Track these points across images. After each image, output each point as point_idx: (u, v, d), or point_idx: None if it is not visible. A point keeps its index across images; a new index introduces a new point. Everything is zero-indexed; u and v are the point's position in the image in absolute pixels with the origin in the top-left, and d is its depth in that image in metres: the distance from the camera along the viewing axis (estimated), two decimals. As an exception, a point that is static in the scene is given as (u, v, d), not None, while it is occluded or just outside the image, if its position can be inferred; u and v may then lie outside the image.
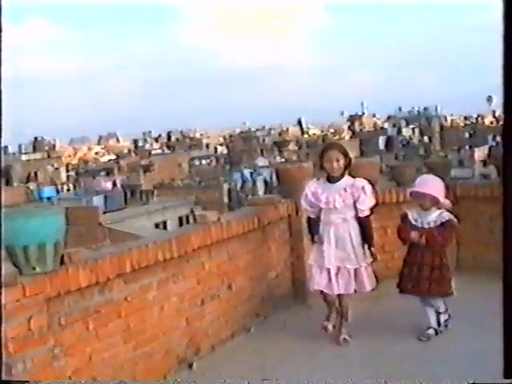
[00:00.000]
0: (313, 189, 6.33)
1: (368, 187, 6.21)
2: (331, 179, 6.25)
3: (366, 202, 6.21)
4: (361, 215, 6.26)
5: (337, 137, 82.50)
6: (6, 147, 71.94)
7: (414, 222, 6.29)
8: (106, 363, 5.13)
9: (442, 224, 6.14)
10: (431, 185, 6.23)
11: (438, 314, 6.36)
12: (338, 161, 6.14)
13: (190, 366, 5.97)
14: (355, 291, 6.36)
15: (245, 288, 6.87)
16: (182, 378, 5.78)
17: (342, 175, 6.22)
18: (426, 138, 79.76)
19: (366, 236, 6.32)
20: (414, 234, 6.21)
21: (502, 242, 3.80)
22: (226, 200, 48.23)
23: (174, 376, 5.78)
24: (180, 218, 42.57)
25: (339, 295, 6.40)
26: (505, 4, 3.37)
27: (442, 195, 6.20)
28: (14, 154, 70.17)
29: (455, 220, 6.18)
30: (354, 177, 6.28)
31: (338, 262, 6.26)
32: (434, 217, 6.17)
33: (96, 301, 5.03)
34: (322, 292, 6.45)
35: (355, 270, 6.28)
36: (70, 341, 4.81)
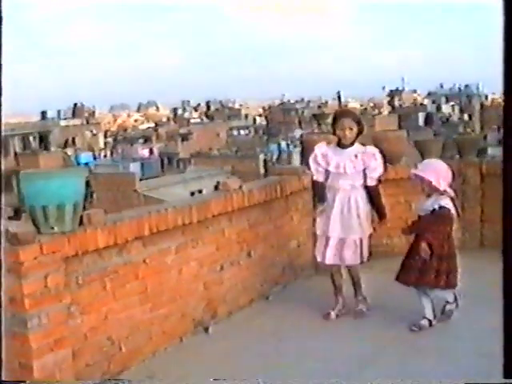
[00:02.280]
0: (323, 150, 6.28)
1: (379, 155, 6.18)
2: (342, 145, 6.21)
3: (377, 170, 6.19)
4: (370, 183, 6.22)
5: (376, 111, 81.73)
6: (44, 112, 72.81)
7: (415, 209, 6.25)
8: (122, 323, 5.25)
9: (432, 212, 5.87)
10: (431, 169, 5.92)
11: (447, 302, 6.13)
12: (351, 129, 6.12)
13: (206, 329, 6.07)
14: (361, 262, 6.34)
15: (265, 256, 6.94)
16: (197, 340, 5.90)
17: (353, 142, 6.20)
18: (465, 116, 78.73)
19: (376, 204, 6.29)
20: (406, 232, 6.13)
21: (502, 243, 3.81)
22: (262, 170, 48.22)
23: (191, 339, 5.89)
24: (216, 187, 42.69)
25: (348, 266, 6.40)
26: (505, 4, 3.39)
27: (441, 182, 5.83)
28: (52, 119, 70.75)
29: (448, 208, 5.84)
30: (364, 145, 6.26)
31: (342, 232, 6.21)
32: (429, 204, 5.90)
33: (114, 262, 5.15)
34: (329, 267, 6.44)
35: (360, 240, 6.25)
36: (86, 299, 4.93)
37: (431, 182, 5.79)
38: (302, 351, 5.65)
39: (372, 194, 6.25)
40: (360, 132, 6.20)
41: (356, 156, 6.12)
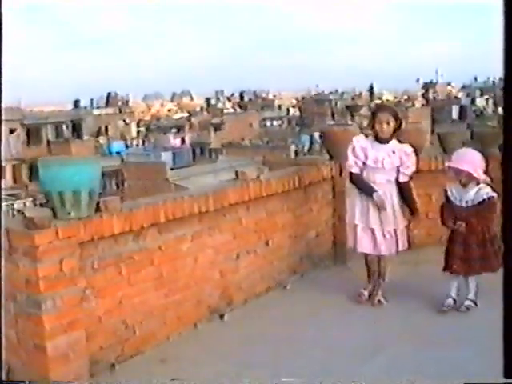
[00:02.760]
0: (363, 144, 6.36)
1: (413, 154, 6.33)
2: (380, 139, 6.30)
3: (410, 168, 6.32)
4: (402, 180, 6.35)
5: (409, 104, 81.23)
6: (77, 101, 73.41)
7: (453, 200, 6.19)
8: (136, 308, 5.35)
9: (481, 203, 6.01)
10: (467, 160, 6.04)
11: (466, 298, 6.24)
12: (388, 123, 6.22)
13: (222, 316, 6.15)
14: (397, 252, 6.49)
15: (283, 245, 7.01)
16: (212, 327, 5.99)
17: (391, 138, 6.29)
18: (500, 110, 77.94)
19: (408, 200, 6.41)
20: (451, 225, 6.14)
21: (503, 244, 3.82)
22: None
23: (205, 325, 5.98)
24: (236, 176, 42.71)
25: (379, 256, 6.52)
26: (505, 4, 3.40)
27: (479, 171, 6.00)
28: (85, 108, 71.30)
29: (495, 196, 5.94)
30: (400, 142, 6.35)
31: (379, 223, 6.35)
32: (472, 194, 6.03)
33: (130, 248, 5.25)
34: (365, 255, 6.59)
35: (395, 231, 6.39)
36: (101, 284, 5.04)
37: (471, 174, 5.96)
38: (315, 340, 5.69)
39: (404, 190, 6.38)
40: (398, 127, 6.30)
41: (394, 152, 6.26)
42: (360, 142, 6.37)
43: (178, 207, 5.52)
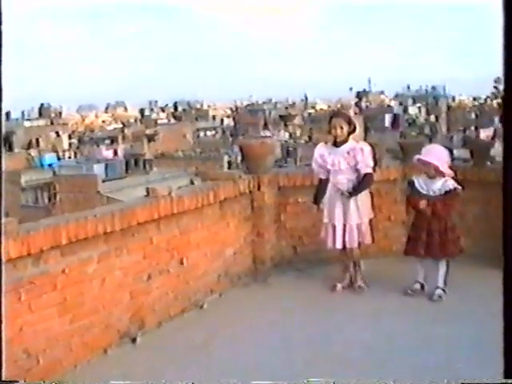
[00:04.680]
0: (321, 151, 7.00)
1: (366, 148, 6.85)
2: (337, 144, 6.91)
3: (364, 161, 6.80)
4: (363, 172, 6.86)
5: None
6: (8, 113, 71.84)
7: (420, 189, 6.75)
8: (39, 335, 5.09)
9: (447, 192, 6.60)
10: (435, 154, 6.67)
11: (436, 287, 6.76)
12: (341, 128, 6.82)
13: (134, 340, 5.93)
14: (359, 244, 7.01)
15: (198, 264, 6.81)
16: (123, 352, 5.76)
17: (347, 140, 6.86)
18: (432, 118, 79.27)
19: (360, 186, 6.90)
20: (422, 204, 6.62)
21: (503, 245, 3.79)
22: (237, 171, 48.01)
23: (116, 350, 5.74)
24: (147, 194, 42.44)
25: (349, 249, 7.03)
26: (505, 4, 3.37)
27: (445, 165, 6.60)
28: (16, 119, 69.84)
29: (459, 188, 6.61)
30: (357, 142, 6.94)
31: (344, 219, 6.90)
32: (439, 185, 6.62)
33: (30, 272, 4.98)
34: (341, 250, 7.08)
35: (358, 225, 6.92)
36: (-1, 311, 4.77)
37: (438, 167, 6.55)
38: (230, 364, 5.51)
39: (362, 180, 6.89)
40: (352, 130, 6.91)
41: (348, 153, 6.82)
42: (318, 150, 7.05)
43: (80, 228, 5.28)
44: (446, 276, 6.76)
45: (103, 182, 41.81)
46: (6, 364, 4.74)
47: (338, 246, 7.02)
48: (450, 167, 6.70)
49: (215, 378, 5.16)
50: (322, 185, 7.07)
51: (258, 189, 7.52)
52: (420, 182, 6.78)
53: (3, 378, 4.04)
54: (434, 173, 6.63)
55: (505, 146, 3.97)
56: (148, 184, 41.35)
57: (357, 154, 6.81)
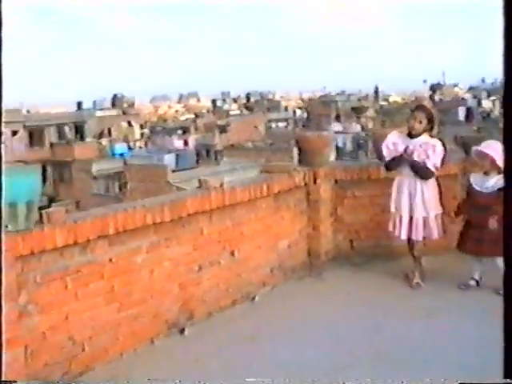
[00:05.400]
0: (394, 139, 6.98)
1: (439, 147, 6.77)
2: (411, 135, 6.88)
3: (433, 160, 6.75)
4: None
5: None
6: (80, 103, 73.16)
7: (474, 186, 6.79)
8: (85, 323, 5.14)
9: (500, 189, 6.35)
10: (494, 147, 6.59)
11: (471, 278, 6.86)
12: (420, 122, 6.80)
13: (182, 331, 5.93)
14: (424, 238, 6.96)
15: (251, 256, 6.76)
16: (172, 342, 5.76)
17: (421, 134, 6.81)
18: (508, 111, 77.32)
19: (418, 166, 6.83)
20: (491, 223, 6.45)
21: (503, 245, 3.69)
22: (295, 163, 47.88)
23: (163, 340, 5.75)
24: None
25: (413, 242, 7.03)
26: (505, 4, 3.35)
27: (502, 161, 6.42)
28: (88, 109, 70.98)
29: None
30: (431, 137, 6.83)
31: (410, 211, 6.89)
32: (492, 182, 6.60)
33: (77, 261, 5.03)
34: (408, 241, 7.07)
35: (424, 219, 6.88)
36: (46, 299, 4.84)
37: (495, 160, 6.50)
38: (275, 357, 5.44)
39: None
40: (431, 127, 6.85)
41: (421, 146, 6.77)
42: (392, 136, 7.03)
43: (129, 218, 5.30)
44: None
45: (173, 172, 42.23)
46: (49, 351, 4.84)
47: (403, 236, 7.00)
48: None
49: (259, 371, 5.13)
50: (392, 159, 6.97)
51: (314, 182, 7.43)
52: (475, 178, 6.80)
53: (3, 378, 4.05)
54: (490, 167, 6.60)
55: (505, 146, 3.84)
56: (217, 174, 41.63)
57: (428, 149, 6.76)
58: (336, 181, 7.68)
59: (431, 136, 6.86)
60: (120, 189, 46.73)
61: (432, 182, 6.90)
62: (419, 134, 6.82)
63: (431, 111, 6.97)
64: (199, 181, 6.30)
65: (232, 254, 6.51)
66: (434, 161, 6.76)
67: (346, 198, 7.80)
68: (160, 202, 5.68)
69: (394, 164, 6.95)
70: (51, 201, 45.95)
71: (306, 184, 7.39)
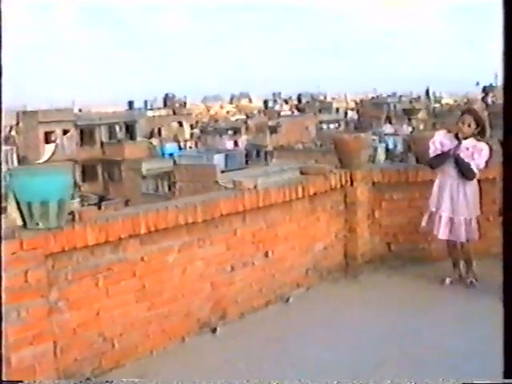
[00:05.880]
0: (442, 138, 6.99)
1: (485, 151, 6.79)
2: (459, 137, 6.86)
3: (477, 161, 6.78)
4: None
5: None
6: (131, 102, 73.89)
7: None
8: (116, 320, 5.22)
9: None
10: None
11: None
12: (469, 125, 6.82)
13: (214, 330, 5.97)
14: (467, 240, 6.97)
15: (285, 257, 6.78)
16: (203, 341, 5.81)
17: (469, 137, 6.82)
18: None
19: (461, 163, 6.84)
20: None
21: (503, 245, 3.66)
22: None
23: (194, 339, 5.80)
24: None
25: (460, 243, 7.05)
26: (505, 4, 3.34)
27: None
28: (139, 109, 71.69)
29: None
30: (479, 140, 6.85)
31: (451, 212, 6.90)
32: None
33: (108, 259, 5.12)
34: (447, 242, 7.10)
35: (467, 220, 6.90)
36: (76, 295, 4.93)
37: None
38: (302, 360, 5.43)
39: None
40: (481, 130, 6.88)
41: (468, 149, 6.78)
42: (440, 135, 7.05)
43: (161, 218, 5.36)
44: None
45: (222, 172, 42.40)
46: (79, 347, 4.92)
47: (442, 236, 6.99)
48: None
49: (284, 373, 5.15)
50: (442, 155, 6.94)
51: (351, 184, 7.41)
52: None
53: (3, 378, 4.13)
54: None
55: (505, 144, 3.80)
56: (266, 175, 41.69)
57: (475, 152, 6.77)
58: (374, 183, 7.65)
59: (478, 140, 6.86)
60: (169, 188, 47.15)
61: (474, 184, 6.90)
62: (467, 137, 6.83)
63: (480, 115, 7.05)
64: (233, 182, 6.34)
65: (266, 254, 6.53)
66: (478, 162, 6.77)
67: (383, 201, 7.76)
68: (193, 203, 5.73)
69: (438, 161, 6.95)
70: (101, 199, 46.63)
71: (342, 186, 7.37)
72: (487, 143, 6.88)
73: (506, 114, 3.60)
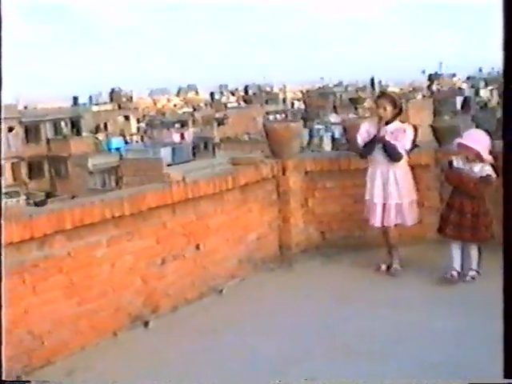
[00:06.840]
0: (367, 127, 7.07)
1: (409, 131, 6.95)
2: (383, 123, 6.95)
3: (402, 143, 6.88)
4: None
5: (413, 95, 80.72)
6: (76, 98, 73.19)
7: (459, 167, 6.72)
8: (45, 317, 5.19)
9: (482, 177, 6.53)
10: (476, 139, 6.63)
11: (470, 269, 6.71)
12: (384, 109, 6.90)
13: (146, 324, 5.98)
14: (396, 225, 7.06)
15: (217, 249, 6.81)
16: (135, 335, 5.82)
17: (392, 120, 6.93)
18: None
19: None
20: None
21: (503, 242, 3.74)
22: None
23: (126, 333, 5.80)
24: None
25: (387, 228, 7.08)
26: (505, 4, 3.42)
27: (486, 150, 6.53)
28: (84, 104, 71.05)
29: (494, 176, 6.46)
30: (403, 122, 7.05)
31: (384, 198, 6.96)
32: (476, 169, 6.57)
33: (34, 255, 5.09)
34: (382, 229, 7.12)
35: (398, 206, 6.98)
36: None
37: (479, 153, 6.51)
38: (233, 350, 5.47)
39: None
40: (398, 112, 6.97)
41: (392, 132, 6.87)
42: (366, 125, 7.13)
43: (86, 213, 5.35)
44: (479, 259, 6.69)
45: (169, 165, 42.19)
46: (9, 344, 4.88)
47: (377, 224, 7.06)
48: (490, 152, 6.58)
49: (218, 364, 5.19)
50: (369, 143, 7.01)
51: (283, 173, 7.47)
52: (459, 163, 6.73)
53: (3, 378, 4.12)
54: (474, 157, 6.59)
55: (504, 142, 3.89)
56: (212, 167, 41.65)
57: (399, 134, 6.88)
58: (306, 172, 7.71)
59: (402, 121, 7.05)
60: (117, 183, 46.80)
61: (405, 168, 7.00)
62: (390, 120, 6.92)
63: (392, 96, 7.15)
64: (163, 175, 6.35)
65: (197, 247, 6.56)
66: (403, 143, 6.88)
67: (316, 190, 7.83)
68: (119, 197, 5.73)
69: (367, 149, 7.01)
70: (48, 196, 46.07)
71: (274, 176, 7.43)
72: (413, 125, 7.10)
73: (505, 113, 3.70)
